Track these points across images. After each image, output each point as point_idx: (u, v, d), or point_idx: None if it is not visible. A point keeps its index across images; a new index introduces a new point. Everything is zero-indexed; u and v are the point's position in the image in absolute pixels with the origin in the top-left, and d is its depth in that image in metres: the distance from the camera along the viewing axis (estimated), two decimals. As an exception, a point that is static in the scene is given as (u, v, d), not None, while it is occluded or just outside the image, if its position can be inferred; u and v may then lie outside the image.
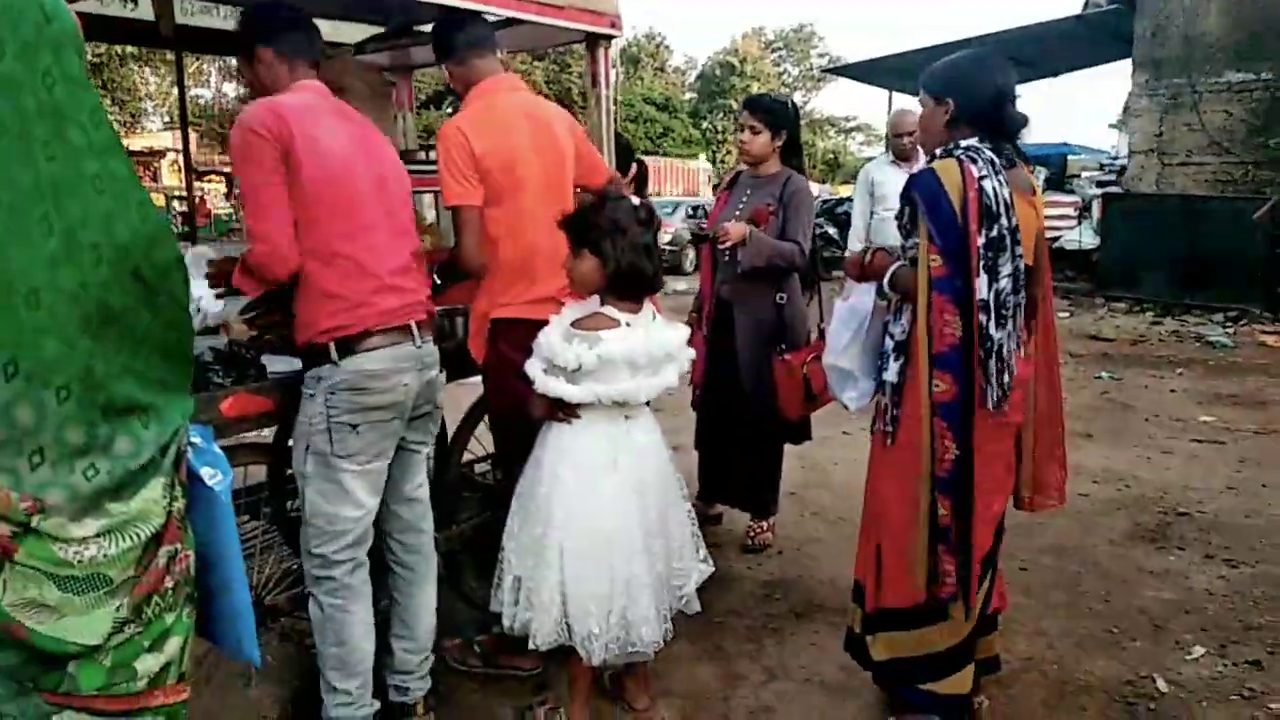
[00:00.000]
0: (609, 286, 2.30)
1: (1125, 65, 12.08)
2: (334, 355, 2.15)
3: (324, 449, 2.19)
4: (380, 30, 3.49)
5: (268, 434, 2.59)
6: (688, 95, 46.70)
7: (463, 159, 2.52)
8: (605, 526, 2.31)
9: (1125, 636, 3.06)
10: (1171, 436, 5.56)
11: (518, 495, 2.45)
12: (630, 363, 2.27)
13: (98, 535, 1.30)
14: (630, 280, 2.29)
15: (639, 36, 45.84)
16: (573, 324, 2.30)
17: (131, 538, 1.36)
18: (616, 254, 2.25)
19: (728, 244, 3.50)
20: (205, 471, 1.54)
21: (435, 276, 2.74)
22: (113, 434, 1.34)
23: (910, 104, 2.68)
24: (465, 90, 2.69)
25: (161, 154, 30.26)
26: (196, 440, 1.57)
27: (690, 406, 3.95)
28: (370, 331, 2.18)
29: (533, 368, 2.34)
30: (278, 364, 2.37)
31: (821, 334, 3.70)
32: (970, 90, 2.29)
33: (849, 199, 10.63)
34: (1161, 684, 2.76)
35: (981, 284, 2.15)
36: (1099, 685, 2.76)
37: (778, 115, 3.57)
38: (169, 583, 1.45)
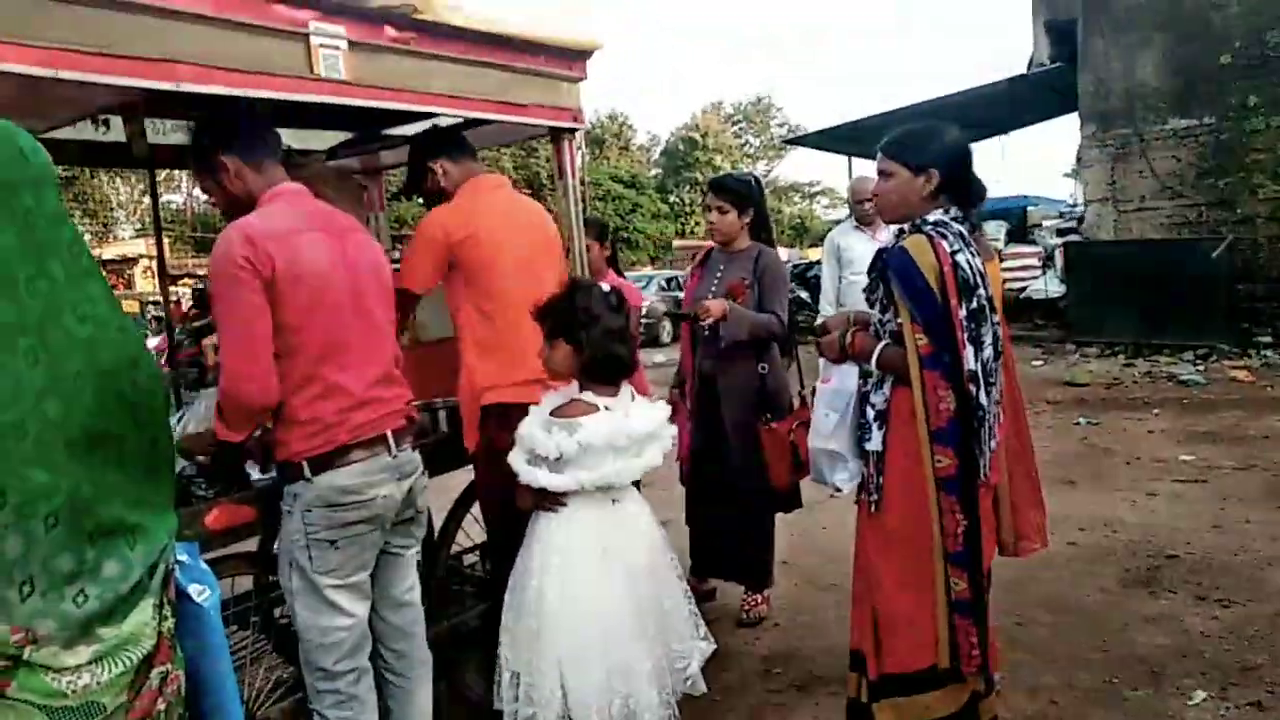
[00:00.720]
0: (585, 372, 2.35)
1: (1074, 118, 12.49)
2: (307, 473, 2.13)
3: (305, 565, 2.17)
4: (350, 136, 3.58)
5: (251, 542, 2.57)
6: (653, 171, 47.61)
7: (436, 246, 2.69)
8: (597, 613, 2.30)
9: (1126, 686, 3.05)
10: (1154, 478, 5.61)
11: (510, 588, 2.44)
12: (612, 446, 2.30)
13: (90, 662, 1.29)
14: (605, 366, 2.33)
15: (602, 118, 46.88)
16: (551, 413, 2.32)
17: (124, 662, 1.35)
18: (590, 341, 2.30)
19: (709, 320, 3.56)
20: (193, 588, 1.54)
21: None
22: (101, 557, 1.34)
23: (868, 169, 2.77)
24: (452, 189, 2.84)
25: (134, 261, 30.33)
26: (183, 557, 1.57)
27: (679, 482, 3.96)
28: (344, 447, 2.15)
29: (516, 459, 2.36)
30: (259, 472, 2.37)
31: (804, 400, 3.75)
32: (952, 161, 2.36)
33: (818, 262, 10.80)
34: (1167, 733, 2.74)
35: (969, 356, 2.20)
36: (1105, 738, 2.75)
37: (743, 194, 3.68)
38: (160, 705, 1.43)
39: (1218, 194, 11.02)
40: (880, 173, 2.44)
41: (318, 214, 2.25)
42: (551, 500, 2.34)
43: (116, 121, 3.16)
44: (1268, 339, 10.41)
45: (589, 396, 2.33)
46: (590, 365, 2.33)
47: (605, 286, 2.43)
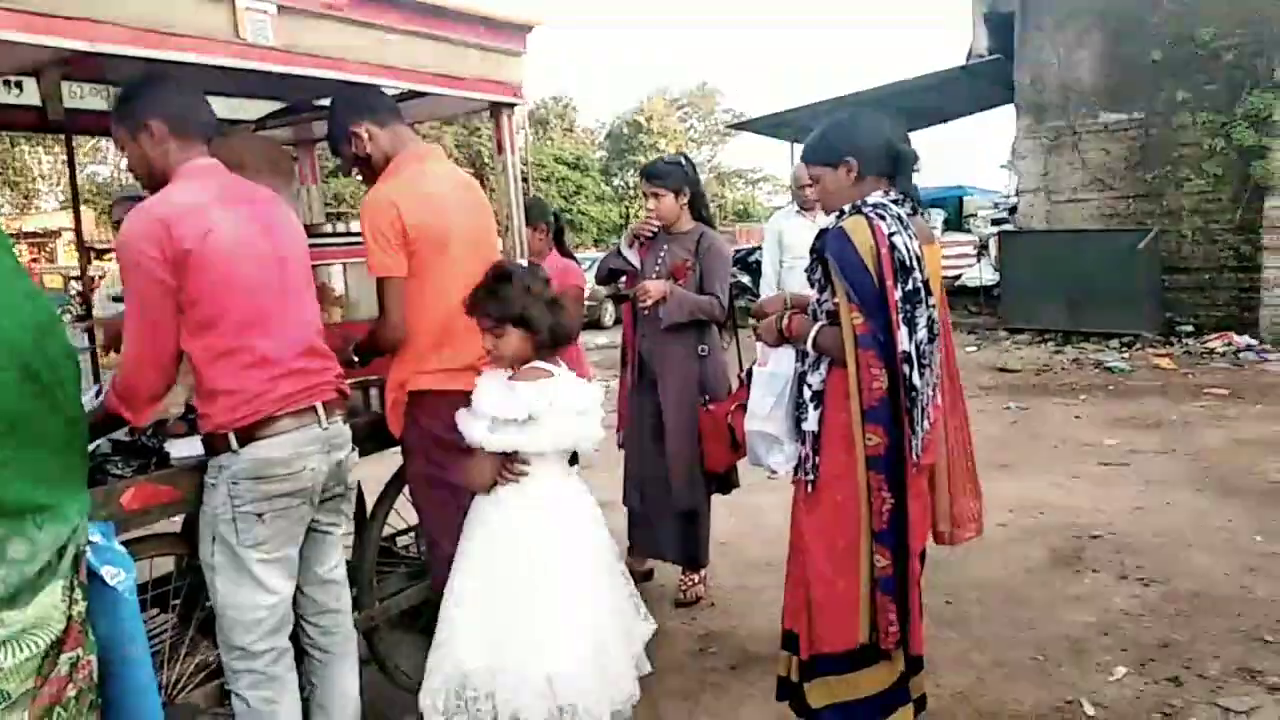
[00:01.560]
0: (538, 351, 2.34)
1: (1011, 109, 12.73)
2: (234, 444, 2.08)
3: (230, 539, 2.11)
4: (280, 105, 3.47)
5: (175, 522, 2.50)
6: (598, 154, 47.37)
7: (392, 231, 2.50)
8: (577, 584, 2.29)
9: (1051, 663, 3.13)
10: (1079, 461, 5.77)
11: (462, 593, 2.31)
12: (573, 408, 2.31)
13: (-10, 648, 1.23)
14: (555, 336, 2.34)
15: (546, 100, 46.47)
16: (509, 379, 2.31)
17: (29, 647, 1.29)
18: (541, 319, 2.30)
19: (648, 302, 3.55)
20: (107, 570, 1.47)
21: (354, 354, 2.70)
22: (6, 538, 1.28)
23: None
24: (380, 157, 2.64)
25: (57, 234, 29.23)
26: (96, 538, 1.51)
27: (619, 448, 3.95)
28: (272, 417, 2.11)
29: (475, 430, 2.28)
30: (181, 448, 2.28)
31: (742, 383, 3.76)
32: (865, 143, 2.38)
33: (759, 247, 10.87)
34: (1088, 708, 2.82)
35: (903, 336, 2.22)
36: (1029, 713, 2.82)
37: (675, 176, 3.66)
38: (71, 691, 1.38)
39: (1146, 187, 11.35)
40: (811, 178, 2.51)
41: (232, 188, 2.18)
42: (515, 468, 2.30)
43: (30, 85, 3.03)
44: (1189, 328, 10.77)
45: (542, 364, 2.34)
46: (547, 341, 2.33)
47: (523, 261, 2.42)
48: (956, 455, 2.66)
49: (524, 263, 2.44)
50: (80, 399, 1.41)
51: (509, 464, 2.31)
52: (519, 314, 2.29)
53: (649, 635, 2.51)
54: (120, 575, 1.50)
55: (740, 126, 18.82)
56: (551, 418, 2.27)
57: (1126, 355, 9.95)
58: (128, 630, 1.51)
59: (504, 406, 2.25)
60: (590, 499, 2.48)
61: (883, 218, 2.28)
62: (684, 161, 3.76)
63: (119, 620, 1.50)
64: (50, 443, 1.34)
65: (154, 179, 2.16)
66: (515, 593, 2.24)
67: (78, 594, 1.38)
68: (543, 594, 2.24)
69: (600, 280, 4.08)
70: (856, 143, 2.38)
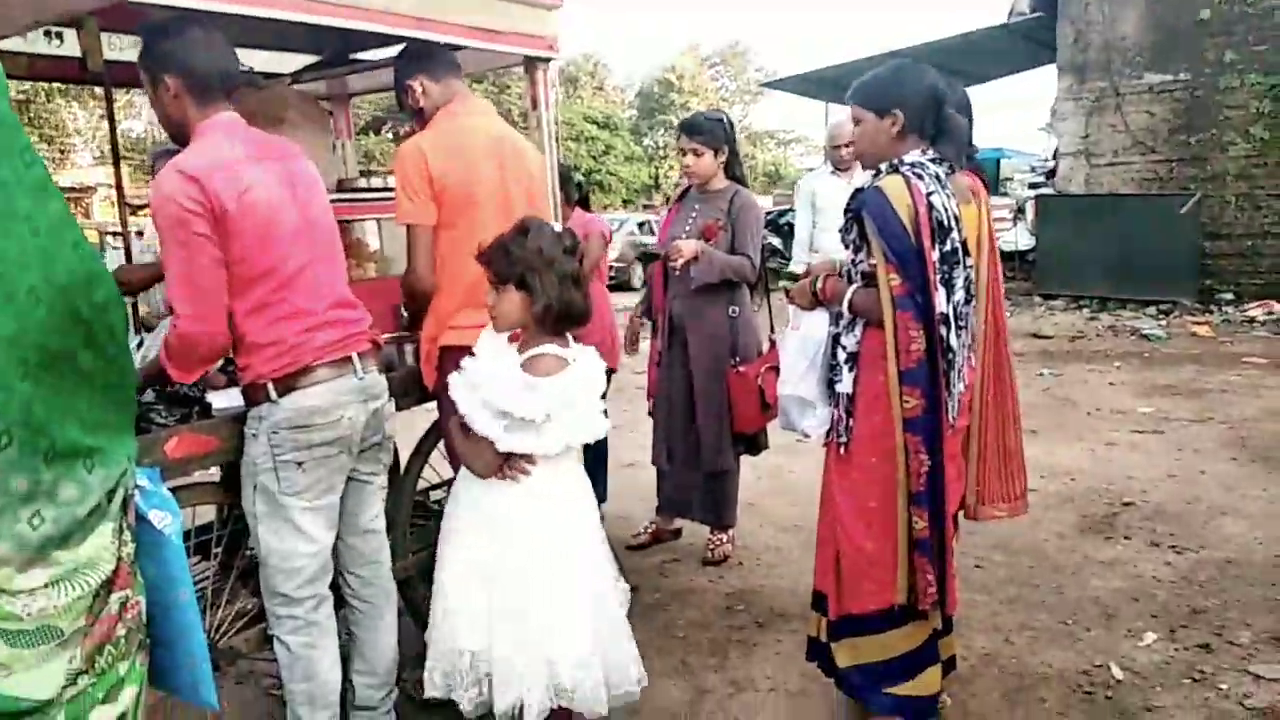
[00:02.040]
0: (538, 323, 2.17)
1: (1051, 70, 12.43)
2: (273, 394, 2.11)
3: (271, 488, 2.15)
4: (316, 59, 3.46)
5: (215, 471, 2.54)
6: (628, 113, 46.96)
7: (418, 178, 2.52)
8: (578, 568, 2.24)
9: (1079, 627, 3.13)
10: (1113, 429, 5.71)
11: (456, 572, 2.26)
12: (584, 400, 2.21)
13: (46, 586, 1.27)
14: (561, 316, 2.15)
15: (576, 57, 46.03)
16: (525, 369, 2.14)
17: (81, 586, 1.33)
18: (545, 289, 2.11)
19: (680, 261, 3.53)
20: (154, 515, 1.51)
21: (403, 310, 2.74)
22: (57, 480, 1.31)
23: (845, 114, 2.74)
24: (432, 110, 2.69)
25: (92, 190, 29.50)
26: (144, 482, 1.54)
27: (649, 416, 3.96)
28: (309, 368, 2.13)
29: (488, 426, 2.14)
30: (222, 400, 2.32)
31: (773, 344, 3.75)
32: (913, 99, 2.32)
33: (791, 209, 10.76)
34: (1117, 671, 2.82)
35: (940, 298, 2.20)
36: (1057, 676, 2.82)
37: (716, 134, 3.62)
38: (121, 630, 1.42)
39: (1189, 150, 11.09)
40: (853, 120, 2.44)
41: (257, 142, 2.17)
42: (520, 466, 2.20)
43: (71, 36, 3.04)
44: (1229, 296, 10.58)
45: (555, 349, 2.16)
46: (544, 315, 2.13)
47: (558, 226, 2.30)
48: (993, 427, 2.65)
49: (556, 226, 2.32)
50: (127, 346, 1.44)
51: (516, 461, 2.19)
52: (520, 275, 2.12)
53: (627, 599, 2.45)
54: (167, 519, 1.53)
55: (774, 85, 18.51)
56: (566, 417, 2.14)
57: (1164, 323, 9.79)
58: (175, 573, 1.55)
59: (523, 405, 2.09)
60: (584, 477, 2.40)
61: (920, 177, 2.24)
62: (724, 119, 3.71)
63: (166, 563, 1.53)
64: (96, 384, 1.36)
65: (175, 131, 2.16)
66: (513, 578, 2.17)
67: (127, 536, 1.42)
68: (542, 581, 2.17)
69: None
70: (907, 96, 2.32)
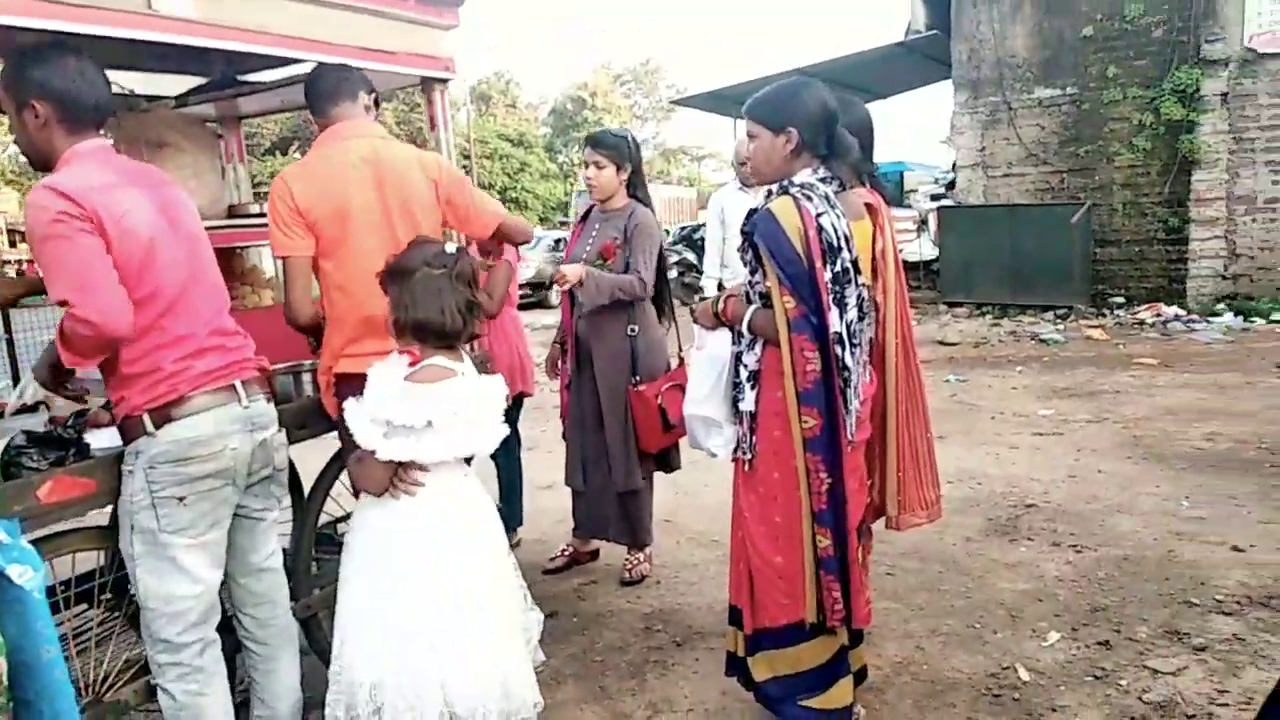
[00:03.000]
0: (411, 334, 2.16)
1: (949, 85, 12.87)
2: (149, 426, 2.02)
3: (150, 526, 2.05)
4: (203, 81, 3.34)
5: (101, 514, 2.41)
6: (542, 130, 46.93)
7: (285, 210, 2.46)
8: (474, 590, 2.18)
9: (987, 630, 3.20)
10: (1016, 432, 5.90)
11: (351, 601, 2.21)
12: (472, 411, 2.18)
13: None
14: (417, 328, 2.14)
15: (488, 75, 45.86)
16: (406, 379, 2.14)
17: (-72, 652, 1.23)
18: (400, 300, 2.13)
19: (565, 286, 3.52)
20: (14, 570, 1.41)
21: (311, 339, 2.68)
22: (-99, 539, 1.21)
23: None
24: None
25: (-24, 216, 28.06)
26: (1, 536, 1.44)
27: (562, 439, 3.93)
28: (186, 397, 2.05)
29: (369, 435, 2.12)
30: (102, 439, 2.20)
31: (681, 362, 3.76)
32: (809, 118, 2.34)
33: (704, 224, 10.89)
34: (1023, 673, 2.89)
35: (834, 318, 2.23)
36: (966, 681, 2.87)
37: (620, 149, 3.62)
38: (-20, 695, 1.32)
39: (1079, 161, 11.59)
40: (749, 135, 2.44)
41: (129, 169, 2.10)
42: (410, 478, 2.16)
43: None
44: (1120, 299, 11.07)
45: (442, 360, 2.16)
46: (398, 326, 2.15)
47: (449, 246, 2.25)
48: (907, 438, 2.71)
49: (449, 245, 2.27)
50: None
51: (403, 473, 2.16)
52: (408, 322, 2.13)
53: (539, 626, 2.43)
54: (28, 573, 1.44)
55: (683, 102, 18.76)
56: (451, 424, 2.11)
57: (1061, 327, 10.19)
58: (37, 630, 1.45)
59: (401, 412, 2.08)
60: (485, 498, 2.36)
61: (810, 198, 2.27)
62: (630, 138, 3.71)
63: (28, 620, 1.43)
64: None
65: (38, 158, 2.05)
66: (405, 600, 2.13)
67: (-18, 595, 1.32)
68: (435, 604, 2.13)
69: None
70: (802, 114, 2.34)
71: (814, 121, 2.34)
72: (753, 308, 2.37)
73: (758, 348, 2.37)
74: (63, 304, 1.90)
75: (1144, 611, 3.25)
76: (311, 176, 2.50)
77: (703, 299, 2.97)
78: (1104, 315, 10.69)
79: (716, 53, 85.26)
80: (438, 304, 2.13)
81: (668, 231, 16.80)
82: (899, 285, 2.71)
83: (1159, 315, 10.26)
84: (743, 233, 2.35)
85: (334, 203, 2.49)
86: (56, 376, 2.30)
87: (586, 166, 3.67)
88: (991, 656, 3.01)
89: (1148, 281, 11.24)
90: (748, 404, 2.37)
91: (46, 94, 1.97)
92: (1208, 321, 9.84)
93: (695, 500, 4.73)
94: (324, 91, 2.62)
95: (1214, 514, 4.16)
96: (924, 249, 13.80)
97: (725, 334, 2.50)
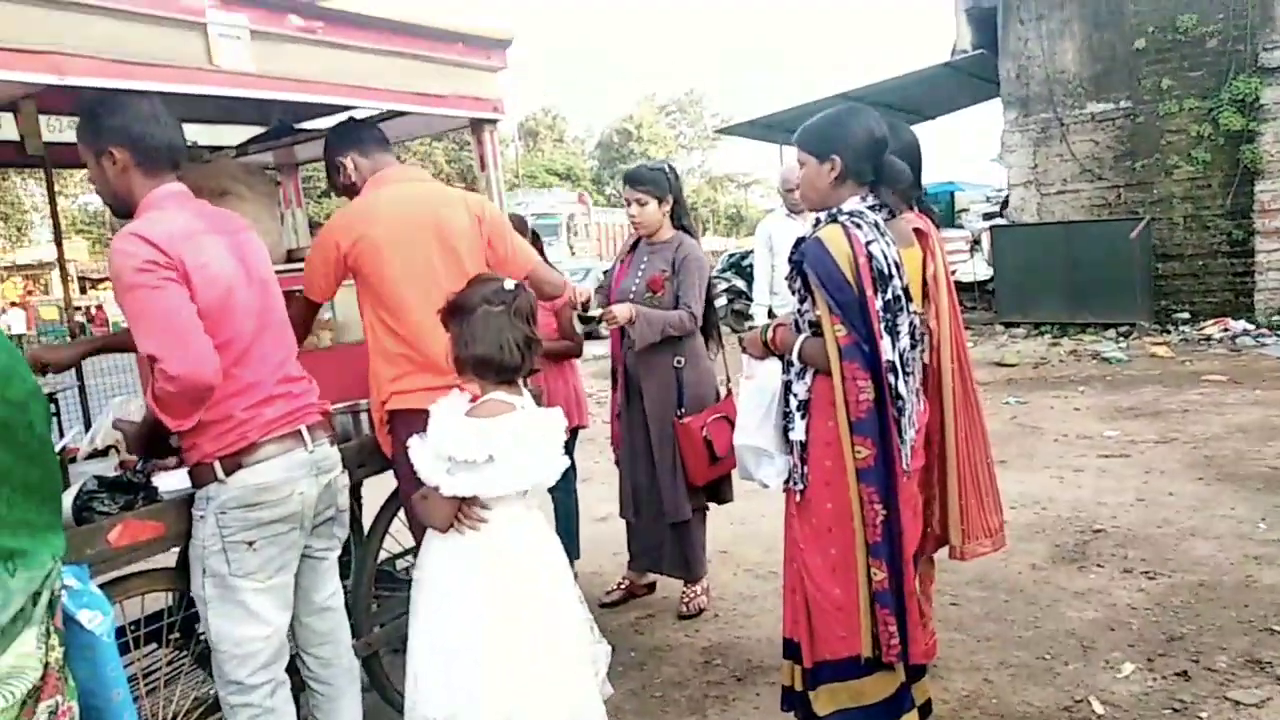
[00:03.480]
0: (471, 370, 2.19)
1: (998, 103, 12.73)
2: (219, 474, 2.05)
3: (221, 570, 2.08)
4: (262, 130, 3.45)
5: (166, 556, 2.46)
6: (589, 163, 47.48)
7: (326, 257, 2.60)
8: (541, 622, 2.18)
9: (1058, 661, 3.10)
10: (1080, 454, 5.74)
11: (421, 639, 2.21)
12: (533, 445, 2.21)
13: (-36, 701, 1.20)
14: (484, 365, 2.16)
15: (536, 111, 46.62)
16: (467, 414, 2.18)
17: (5, 697, 1.26)
18: (462, 336, 2.16)
19: (615, 326, 3.54)
20: (84, 615, 1.44)
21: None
22: (-22, 585, 1.25)
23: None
24: (362, 184, 2.70)
25: (52, 265, 29.25)
26: (72, 582, 1.48)
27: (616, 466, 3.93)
28: (256, 444, 2.09)
29: (433, 471, 2.14)
30: (169, 482, 2.25)
31: (729, 393, 3.74)
32: (851, 144, 2.34)
33: (752, 251, 10.88)
34: (1097, 706, 2.79)
35: (886, 346, 2.20)
36: (1038, 714, 2.78)
37: (659, 183, 3.63)
38: (54, 739, 1.35)
39: (1135, 176, 11.35)
40: (798, 162, 2.45)
41: (208, 214, 2.17)
42: (474, 514, 2.18)
43: (8, 118, 3.01)
44: (1185, 315, 10.77)
45: (501, 395, 2.19)
46: (467, 362, 2.17)
47: (508, 283, 2.28)
48: (968, 464, 2.66)
49: (510, 283, 2.30)
50: (50, 438, 1.38)
51: (467, 509, 2.17)
52: (468, 358, 2.16)
53: (607, 658, 2.42)
54: (98, 619, 1.47)
55: (728, 131, 18.82)
56: (512, 457, 2.13)
57: (1123, 345, 9.93)
58: (108, 674, 1.48)
59: (462, 446, 2.10)
60: (549, 530, 2.37)
61: (859, 226, 2.25)
62: (667, 169, 3.72)
63: (99, 665, 1.47)
64: (15, 482, 1.30)
65: (119, 205, 2.12)
66: (473, 639, 2.13)
67: (54, 640, 1.35)
68: (503, 637, 2.13)
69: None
70: (845, 142, 2.34)
71: (858, 149, 2.34)
72: (802, 336, 2.36)
73: (808, 377, 2.34)
74: (151, 360, 1.94)
75: (1223, 640, 3.12)
76: (358, 220, 2.58)
77: (753, 327, 2.95)
78: (1168, 332, 10.41)
79: (762, 81, 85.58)
80: (498, 340, 2.15)
81: (715, 256, 16.81)
82: (952, 309, 2.67)
83: (1226, 330, 9.95)
84: (791, 261, 2.34)
85: (380, 241, 2.54)
86: (154, 446, 2.32)
87: (629, 204, 3.69)
88: (1063, 689, 2.91)
89: (1213, 296, 10.93)
90: (798, 434, 2.35)
91: (123, 140, 2.04)
92: (1278, 336, 9.51)
93: (751, 531, 4.68)
94: (377, 137, 2.75)
95: (1294, 537, 3.99)
96: (978, 269, 13.59)
97: (775, 363, 2.49)
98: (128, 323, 2.01)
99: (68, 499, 2.07)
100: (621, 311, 3.49)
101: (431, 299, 2.35)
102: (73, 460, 2.68)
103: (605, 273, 3.98)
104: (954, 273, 15.24)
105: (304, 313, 2.69)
